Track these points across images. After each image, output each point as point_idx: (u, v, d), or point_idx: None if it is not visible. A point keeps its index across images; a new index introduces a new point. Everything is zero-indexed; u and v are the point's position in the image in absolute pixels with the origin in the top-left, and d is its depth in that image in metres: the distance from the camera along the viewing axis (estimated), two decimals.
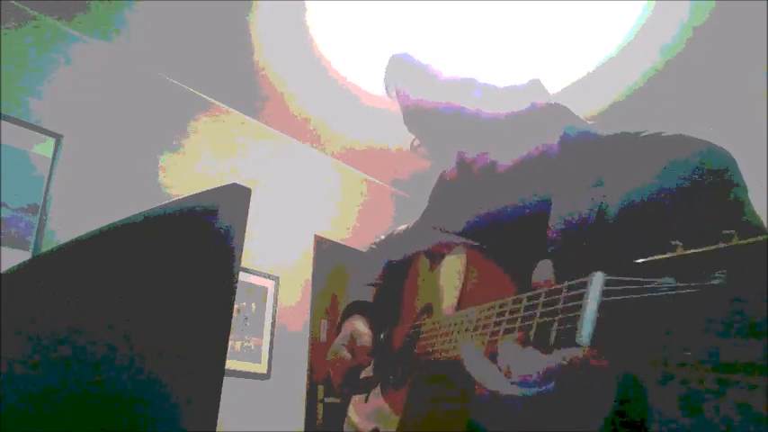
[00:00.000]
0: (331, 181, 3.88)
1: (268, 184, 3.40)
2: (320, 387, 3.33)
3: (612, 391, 0.50)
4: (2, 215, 2.32)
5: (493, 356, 0.56)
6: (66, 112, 2.63)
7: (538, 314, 0.51)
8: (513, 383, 0.53)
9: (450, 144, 0.74)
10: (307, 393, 3.24)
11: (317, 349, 3.39)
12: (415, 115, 0.78)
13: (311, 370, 3.31)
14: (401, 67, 0.80)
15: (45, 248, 2.40)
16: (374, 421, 0.91)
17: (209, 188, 0.51)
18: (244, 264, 2.87)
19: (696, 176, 0.61)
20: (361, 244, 1.21)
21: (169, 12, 2.60)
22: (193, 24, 2.68)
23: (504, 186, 0.76)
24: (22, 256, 2.33)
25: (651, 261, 0.40)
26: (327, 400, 3.31)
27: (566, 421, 0.52)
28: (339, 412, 1.06)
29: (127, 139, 2.82)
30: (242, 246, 0.48)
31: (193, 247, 0.50)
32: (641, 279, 0.40)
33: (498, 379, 0.55)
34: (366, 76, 3.01)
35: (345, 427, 1.02)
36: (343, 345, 0.95)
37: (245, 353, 3.02)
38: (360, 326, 0.96)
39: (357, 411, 1.00)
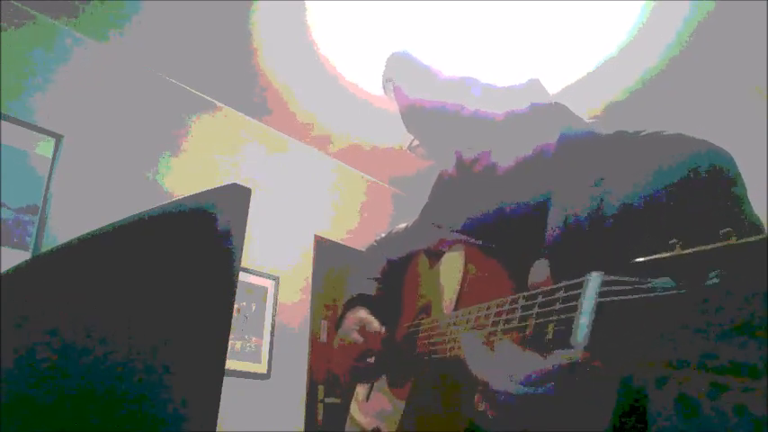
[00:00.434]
0: (331, 181, 3.88)
1: (268, 184, 3.40)
2: (320, 387, 3.33)
3: (614, 393, 0.50)
4: (2, 215, 2.32)
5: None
6: (66, 112, 2.63)
7: (534, 314, 0.51)
8: (511, 380, 0.53)
9: (449, 144, 0.74)
10: (307, 393, 3.24)
11: (317, 349, 3.39)
12: (414, 114, 0.78)
13: (311, 370, 3.31)
14: (400, 64, 0.80)
15: (45, 248, 2.40)
16: (377, 419, 0.91)
17: (209, 188, 0.51)
18: (244, 264, 2.87)
19: (695, 176, 0.61)
20: (361, 244, 1.21)
21: (169, 12, 2.60)
22: (193, 24, 2.68)
23: (503, 186, 0.76)
24: (22, 256, 2.33)
25: (648, 261, 0.40)
26: (327, 400, 3.31)
27: (567, 422, 0.52)
28: (339, 412, 1.06)
29: (127, 139, 2.82)
30: (242, 246, 0.48)
31: (193, 248, 0.50)
32: (638, 279, 0.40)
33: (497, 374, 0.55)
34: (367, 75, 3.01)
35: (348, 425, 1.02)
36: (354, 329, 0.94)
37: (245, 353, 3.02)
38: (367, 314, 0.96)
39: (360, 410, 1.00)
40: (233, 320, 0.56)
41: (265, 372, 3.07)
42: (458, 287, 0.78)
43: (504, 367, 0.54)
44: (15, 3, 2.54)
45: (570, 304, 0.46)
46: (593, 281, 0.44)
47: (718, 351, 0.33)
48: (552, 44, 2.71)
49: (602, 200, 0.66)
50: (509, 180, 0.75)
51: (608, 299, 0.42)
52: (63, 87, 2.65)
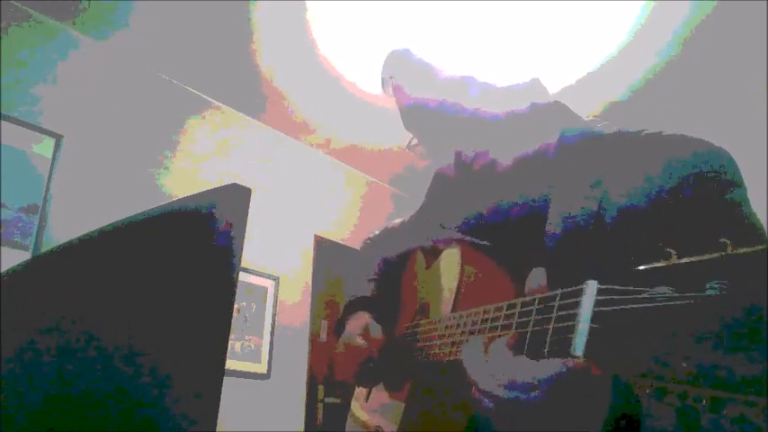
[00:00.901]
0: (331, 181, 3.88)
1: (268, 184, 3.40)
2: (320, 387, 3.33)
3: (607, 398, 0.50)
4: (2, 215, 2.32)
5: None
6: (66, 112, 2.63)
7: (532, 321, 0.51)
8: (500, 385, 0.53)
9: (448, 143, 0.74)
10: (307, 393, 3.24)
11: (317, 349, 3.39)
12: (413, 113, 0.78)
13: (311, 370, 3.31)
14: (400, 62, 0.80)
15: (45, 248, 2.40)
16: (379, 416, 0.91)
17: (210, 188, 0.51)
18: (244, 264, 2.87)
19: (695, 176, 0.61)
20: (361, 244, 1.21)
21: (169, 12, 2.60)
22: (193, 24, 2.68)
23: (501, 185, 0.76)
24: (22, 256, 2.33)
25: (646, 269, 0.39)
26: (327, 400, 3.31)
27: (559, 426, 0.52)
28: (339, 412, 1.06)
29: (127, 139, 2.82)
30: (242, 246, 0.48)
31: (193, 248, 0.50)
32: (635, 288, 0.39)
33: (484, 375, 0.55)
34: (367, 75, 3.01)
35: (349, 423, 1.02)
36: (358, 334, 0.94)
37: (245, 353, 3.02)
38: (369, 319, 0.96)
39: (362, 407, 1.00)
40: (233, 320, 0.56)
41: (265, 372, 3.07)
42: (455, 288, 0.78)
43: (492, 369, 0.54)
44: (15, 3, 2.54)
45: (568, 312, 0.46)
46: (590, 290, 0.44)
47: (717, 364, 0.32)
48: (552, 44, 2.71)
49: (600, 201, 0.66)
50: (508, 179, 0.75)
51: (605, 308, 0.42)
52: (63, 87, 2.65)
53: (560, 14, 2.54)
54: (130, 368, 0.48)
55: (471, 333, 0.62)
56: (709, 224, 0.56)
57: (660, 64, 2.86)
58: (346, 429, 1.02)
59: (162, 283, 0.50)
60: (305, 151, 3.74)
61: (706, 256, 0.35)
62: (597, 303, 0.43)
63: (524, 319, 0.53)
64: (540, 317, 0.50)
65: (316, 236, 3.62)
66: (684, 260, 0.37)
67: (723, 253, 0.34)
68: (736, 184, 0.61)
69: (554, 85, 2.93)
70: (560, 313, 0.47)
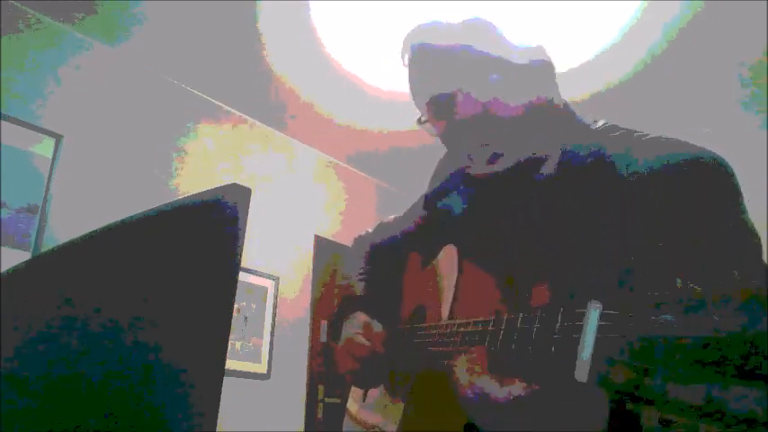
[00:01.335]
0: (331, 181, 3.88)
1: (268, 185, 3.40)
2: (320, 387, 3.33)
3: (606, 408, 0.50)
4: (2, 215, 2.32)
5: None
6: (66, 112, 2.63)
7: (533, 339, 0.51)
8: (468, 389, 0.55)
9: (457, 131, 0.74)
10: (307, 393, 3.24)
11: (317, 349, 3.39)
12: (426, 91, 0.77)
13: (311, 370, 3.31)
14: (425, 34, 0.79)
15: (45, 248, 2.40)
16: (376, 414, 0.91)
17: (209, 188, 0.51)
18: (244, 264, 2.87)
19: (692, 183, 0.61)
20: None
21: (169, 12, 2.60)
22: (193, 24, 2.68)
23: (506, 191, 0.76)
24: (22, 256, 2.33)
25: (650, 296, 0.39)
26: (327, 399, 3.31)
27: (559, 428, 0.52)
28: (339, 412, 1.06)
29: (127, 139, 2.82)
30: (242, 246, 0.48)
31: (193, 248, 0.50)
32: (639, 315, 0.39)
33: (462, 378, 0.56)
34: (370, 76, 3.01)
35: (346, 423, 1.02)
36: (358, 332, 0.93)
37: (245, 353, 3.02)
38: (368, 318, 0.95)
39: (359, 407, 0.99)
40: (233, 320, 0.56)
41: (265, 372, 3.07)
42: (452, 291, 0.78)
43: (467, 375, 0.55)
44: (15, 3, 2.54)
45: (571, 335, 0.45)
46: (594, 315, 0.43)
47: (726, 399, 0.31)
48: (550, 40, 2.71)
49: (600, 212, 0.66)
50: (512, 187, 0.75)
51: (610, 335, 0.41)
52: (63, 87, 2.65)
53: (556, 10, 2.54)
54: (130, 368, 0.48)
55: (470, 343, 0.62)
56: (704, 235, 0.56)
57: (646, 59, 2.85)
58: (343, 429, 1.02)
59: (161, 283, 0.50)
60: (305, 151, 3.74)
61: (714, 288, 0.34)
62: (600, 330, 0.42)
63: (527, 336, 0.52)
64: (541, 336, 0.50)
65: (316, 236, 3.62)
66: (691, 291, 0.36)
67: (729, 283, 0.33)
68: (733, 191, 0.62)
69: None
70: (563, 336, 0.47)
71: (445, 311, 0.78)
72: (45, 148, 2.52)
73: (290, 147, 3.66)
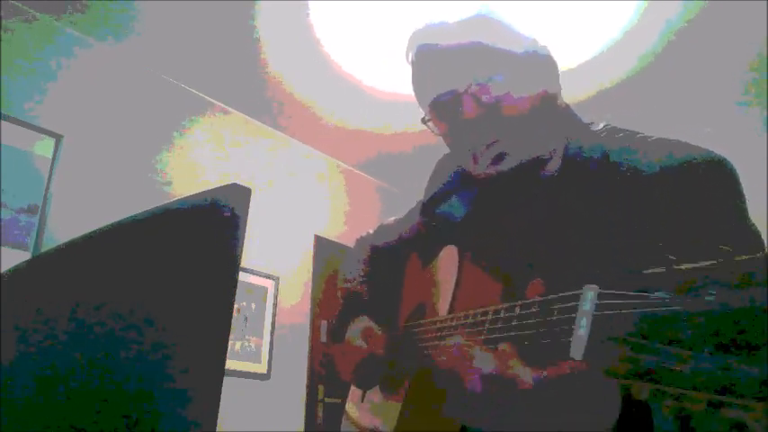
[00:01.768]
0: (331, 181, 3.88)
1: (268, 184, 3.40)
2: (320, 387, 3.33)
3: (617, 400, 0.50)
4: (2, 215, 2.32)
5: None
6: (66, 112, 2.63)
7: (531, 325, 0.51)
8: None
9: (459, 129, 0.74)
10: (307, 393, 3.24)
11: (317, 349, 3.39)
12: (429, 92, 0.77)
13: (311, 370, 3.31)
14: (430, 33, 0.78)
15: (45, 248, 2.40)
16: (374, 416, 0.91)
17: (210, 188, 0.51)
18: (244, 264, 2.87)
19: (695, 184, 0.61)
20: None
21: (169, 11, 2.60)
22: (193, 24, 2.68)
23: (509, 191, 0.76)
24: (22, 256, 2.33)
25: (645, 274, 0.39)
26: (327, 399, 3.31)
27: (565, 425, 0.52)
28: (339, 412, 1.06)
29: (127, 139, 2.82)
30: (242, 246, 0.48)
31: (193, 248, 0.50)
32: (634, 293, 0.39)
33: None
34: (369, 75, 3.01)
35: (344, 424, 1.02)
36: (357, 335, 0.94)
37: (245, 353, 3.02)
38: (370, 322, 0.96)
39: (357, 408, 1.00)
40: (233, 320, 0.56)
41: (265, 372, 3.07)
42: (452, 289, 0.78)
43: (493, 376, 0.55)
44: (15, 2, 2.54)
45: (567, 316, 0.46)
46: (590, 295, 0.44)
47: (714, 368, 0.32)
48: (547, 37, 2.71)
49: (601, 205, 0.66)
50: (515, 186, 0.75)
51: (604, 312, 0.42)
52: (63, 87, 2.64)
53: (555, 9, 2.54)
54: (130, 368, 0.48)
55: (470, 335, 0.62)
56: (708, 233, 0.57)
57: (646, 59, 2.85)
58: (341, 430, 1.02)
59: (162, 283, 0.50)
60: (305, 151, 3.74)
61: (705, 263, 0.35)
62: (596, 308, 0.43)
63: (524, 321, 0.53)
64: (539, 320, 0.50)
65: (316, 236, 3.62)
66: (684, 266, 0.37)
67: (722, 260, 0.34)
68: (735, 192, 0.62)
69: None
70: (560, 317, 0.47)
71: (444, 310, 0.78)
72: (45, 148, 2.52)
73: (290, 147, 3.66)
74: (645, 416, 0.46)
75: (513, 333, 0.54)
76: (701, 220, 0.58)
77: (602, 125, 0.78)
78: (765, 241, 0.60)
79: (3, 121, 2.38)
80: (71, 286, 0.54)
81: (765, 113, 3.09)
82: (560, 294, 0.49)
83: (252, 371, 3.01)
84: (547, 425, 0.53)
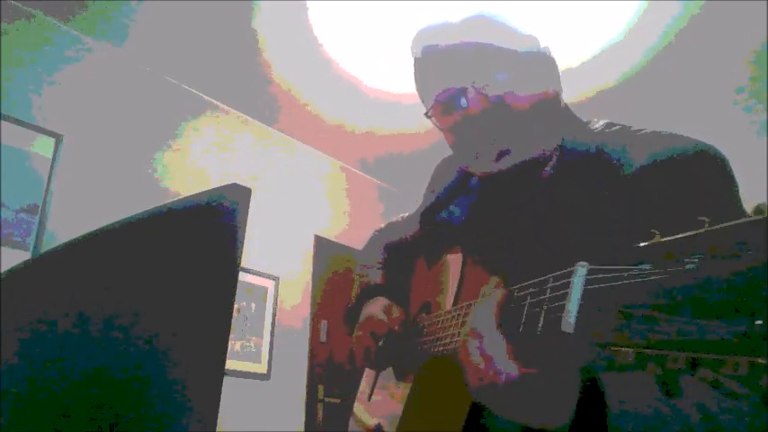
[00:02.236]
0: (331, 181, 3.88)
1: (268, 185, 3.40)
2: (320, 387, 3.33)
3: (575, 382, 0.52)
4: (2, 215, 2.32)
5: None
6: (66, 112, 2.63)
7: (527, 305, 0.54)
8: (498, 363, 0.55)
9: (460, 126, 0.75)
10: (307, 393, 3.24)
11: (317, 349, 3.39)
12: (432, 88, 0.78)
13: (311, 370, 3.31)
14: (435, 31, 0.79)
15: (45, 248, 2.40)
16: (379, 412, 0.92)
17: (210, 188, 0.51)
18: (244, 264, 2.87)
19: (688, 173, 0.62)
20: (362, 244, 1.22)
21: (169, 11, 2.60)
22: (194, 24, 2.68)
23: (509, 189, 0.77)
24: (22, 256, 2.33)
25: (630, 248, 0.42)
26: (327, 399, 3.31)
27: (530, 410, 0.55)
28: (339, 412, 1.06)
29: (127, 139, 2.82)
30: (242, 246, 0.48)
31: (193, 248, 0.50)
32: (620, 267, 0.42)
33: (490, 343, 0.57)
34: (369, 75, 3.01)
35: (351, 424, 1.03)
36: (379, 310, 0.95)
37: (245, 353, 3.02)
38: (389, 301, 0.97)
39: (364, 409, 1.00)
40: (233, 320, 0.56)
41: (265, 372, 3.07)
42: (457, 284, 0.80)
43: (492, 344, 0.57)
44: (15, 2, 2.54)
45: (560, 293, 0.49)
46: (581, 271, 0.47)
47: (691, 330, 0.35)
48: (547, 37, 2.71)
49: (597, 197, 0.66)
50: (514, 185, 0.76)
51: (594, 286, 0.45)
52: (63, 87, 2.64)
53: (555, 9, 2.54)
54: (130, 368, 0.48)
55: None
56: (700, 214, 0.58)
57: (645, 59, 2.85)
58: (349, 430, 1.03)
59: (162, 283, 0.50)
60: (305, 151, 3.74)
61: (684, 234, 0.38)
62: (587, 282, 0.46)
63: (522, 303, 0.55)
64: (535, 299, 0.53)
65: (316, 236, 3.62)
66: (666, 239, 0.40)
67: (701, 230, 0.37)
68: (728, 179, 0.62)
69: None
70: (554, 294, 0.50)
71: (448, 308, 0.79)
72: (45, 148, 2.52)
73: (290, 146, 3.65)
74: (600, 413, 0.49)
75: (511, 315, 0.56)
76: (695, 207, 0.59)
77: (600, 123, 0.78)
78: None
79: (3, 121, 2.38)
80: (71, 286, 0.54)
81: (765, 114, 3.09)
82: (554, 273, 0.51)
83: (252, 371, 3.01)
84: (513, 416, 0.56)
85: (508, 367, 0.54)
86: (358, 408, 1.04)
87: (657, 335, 0.37)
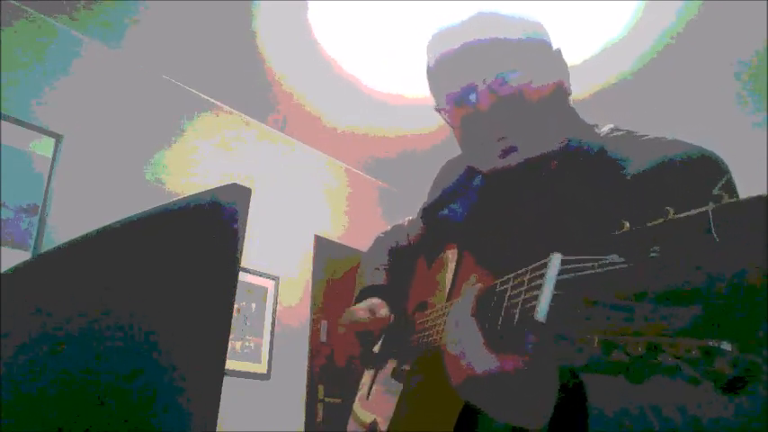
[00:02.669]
0: (331, 181, 3.88)
1: (268, 185, 3.40)
2: (320, 387, 3.33)
3: (553, 383, 0.52)
4: (2, 215, 2.32)
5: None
6: (66, 112, 2.63)
7: (506, 298, 0.55)
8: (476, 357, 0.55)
9: (470, 123, 0.75)
10: (307, 393, 3.24)
11: (317, 349, 3.39)
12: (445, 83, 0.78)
13: (311, 370, 3.31)
14: (448, 30, 0.79)
15: (45, 248, 2.40)
16: (375, 410, 0.92)
17: (209, 188, 0.51)
18: (244, 264, 2.87)
19: (688, 179, 0.62)
20: (362, 244, 1.22)
21: (169, 12, 2.60)
22: (194, 24, 2.68)
23: (512, 186, 0.77)
24: (22, 256, 2.33)
25: (602, 238, 0.43)
26: (327, 399, 3.31)
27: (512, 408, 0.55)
28: (339, 412, 1.07)
29: (127, 139, 2.82)
30: (242, 246, 0.48)
31: (193, 248, 0.50)
32: (589, 257, 0.43)
33: (467, 343, 0.57)
34: (369, 75, 3.01)
35: (350, 424, 1.03)
36: (361, 309, 0.95)
37: (245, 353, 3.02)
38: (378, 300, 0.98)
39: (363, 407, 1.01)
40: (233, 320, 0.56)
41: (265, 372, 3.07)
42: (450, 285, 0.81)
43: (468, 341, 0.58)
44: (15, 2, 2.54)
45: (535, 283, 0.50)
46: (555, 261, 0.48)
47: (654, 316, 0.36)
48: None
49: (596, 200, 0.67)
50: (520, 182, 0.76)
51: (566, 276, 0.46)
52: (63, 87, 2.64)
53: (555, 8, 2.55)
54: (130, 368, 0.48)
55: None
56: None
57: (645, 59, 2.86)
58: (348, 430, 1.03)
59: (162, 283, 0.50)
60: (305, 151, 3.74)
61: (649, 223, 0.39)
62: (560, 272, 0.47)
63: (504, 296, 0.56)
64: (515, 292, 0.54)
65: (316, 236, 3.62)
66: (633, 228, 0.41)
67: (664, 219, 0.38)
68: (727, 186, 0.62)
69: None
70: (530, 285, 0.51)
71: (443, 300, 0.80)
72: (45, 148, 2.52)
73: (290, 147, 3.66)
74: (580, 409, 0.50)
75: (492, 310, 0.57)
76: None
77: (606, 128, 0.79)
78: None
79: (3, 121, 2.38)
80: (71, 286, 0.54)
81: (765, 114, 3.09)
82: (531, 266, 0.52)
83: (252, 371, 3.01)
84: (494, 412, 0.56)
85: (484, 358, 0.55)
86: (356, 405, 1.04)
87: (619, 322, 0.39)
